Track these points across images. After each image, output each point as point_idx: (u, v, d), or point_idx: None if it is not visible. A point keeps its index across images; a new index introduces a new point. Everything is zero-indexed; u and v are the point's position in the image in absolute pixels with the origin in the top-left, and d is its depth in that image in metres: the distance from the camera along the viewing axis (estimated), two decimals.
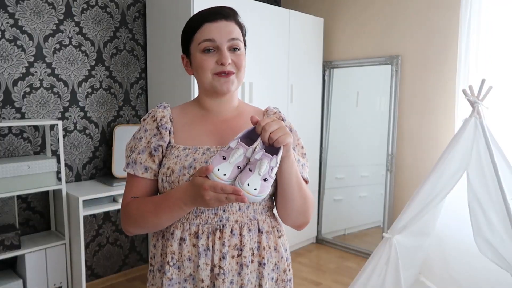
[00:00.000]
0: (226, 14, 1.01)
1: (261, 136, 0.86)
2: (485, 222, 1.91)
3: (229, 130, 1.04)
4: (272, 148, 0.88)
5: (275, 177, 0.88)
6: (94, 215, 2.80)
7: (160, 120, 1.03)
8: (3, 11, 2.34)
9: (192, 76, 2.58)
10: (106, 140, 2.84)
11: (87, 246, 2.78)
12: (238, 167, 0.85)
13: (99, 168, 2.82)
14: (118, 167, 2.72)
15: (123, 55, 2.88)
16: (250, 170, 0.84)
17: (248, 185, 0.82)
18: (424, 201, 2.04)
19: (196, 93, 2.61)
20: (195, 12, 2.53)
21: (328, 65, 3.67)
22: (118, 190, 2.51)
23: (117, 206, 2.53)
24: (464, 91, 2.07)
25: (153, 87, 2.96)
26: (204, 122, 1.06)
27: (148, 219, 0.96)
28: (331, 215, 3.75)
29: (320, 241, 3.77)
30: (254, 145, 0.87)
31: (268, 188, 0.85)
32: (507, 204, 1.86)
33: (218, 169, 0.83)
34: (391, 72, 3.25)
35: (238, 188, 0.82)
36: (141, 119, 1.08)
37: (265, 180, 0.84)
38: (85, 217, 2.73)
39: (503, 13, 2.60)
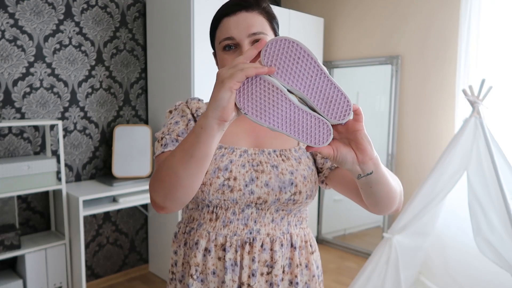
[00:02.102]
0: (246, 3, 0.87)
1: None
2: (485, 222, 1.92)
3: (265, 133, 0.95)
4: None
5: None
6: (94, 215, 2.80)
7: (196, 110, 0.94)
8: (3, 11, 2.34)
9: (191, 76, 2.59)
10: (106, 140, 2.84)
11: (87, 246, 2.78)
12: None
13: (99, 168, 2.83)
14: (118, 167, 2.72)
15: (123, 55, 2.88)
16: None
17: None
18: (424, 201, 2.04)
19: (196, 93, 2.61)
20: (195, 12, 2.54)
21: (328, 65, 3.67)
22: (118, 190, 2.51)
23: (117, 206, 2.53)
24: (464, 91, 2.07)
25: (153, 87, 2.97)
26: (240, 120, 0.95)
27: (174, 167, 0.74)
28: (331, 215, 3.75)
29: (320, 241, 3.77)
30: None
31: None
32: (507, 204, 1.86)
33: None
34: (391, 72, 3.25)
35: (262, 40, 0.66)
36: (169, 110, 0.98)
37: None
38: (85, 217, 2.73)
39: (503, 13, 2.60)
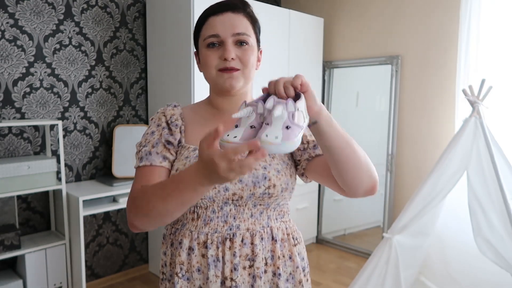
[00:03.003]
0: (233, 5, 0.92)
1: (277, 90, 0.73)
2: (485, 222, 1.92)
3: None
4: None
5: (303, 125, 0.72)
6: (94, 215, 2.80)
7: (170, 117, 0.98)
8: (3, 11, 2.34)
9: (192, 76, 2.59)
10: (106, 140, 2.84)
11: (87, 246, 2.78)
12: (252, 126, 0.71)
13: (99, 168, 2.82)
14: (118, 167, 2.72)
15: (123, 55, 2.88)
16: (267, 124, 0.70)
17: (267, 135, 0.67)
18: (424, 201, 2.04)
19: (195, 93, 2.61)
20: (195, 12, 2.54)
21: (328, 65, 3.67)
22: (118, 190, 2.51)
23: (117, 206, 2.53)
24: (464, 91, 2.07)
25: (153, 87, 2.96)
26: (216, 121, 0.98)
27: (154, 204, 0.81)
28: (331, 215, 3.75)
29: (320, 241, 3.77)
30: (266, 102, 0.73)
31: (294, 136, 0.69)
32: (507, 204, 1.86)
33: (228, 135, 0.70)
34: (391, 72, 3.25)
35: (253, 141, 0.64)
36: (150, 118, 1.02)
37: (287, 127, 0.69)
38: (85, 217, 2.73)
39: (503, 13, 2.60)
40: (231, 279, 0.90)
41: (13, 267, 2.46)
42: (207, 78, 0.96)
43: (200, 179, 0.73)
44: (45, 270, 2.37)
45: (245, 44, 0.92)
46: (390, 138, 3.28)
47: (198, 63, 0.99)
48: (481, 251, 1.92)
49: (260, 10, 3.00)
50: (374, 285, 2.01)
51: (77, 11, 2.63)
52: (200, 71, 0.98)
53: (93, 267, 2.82)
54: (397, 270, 2.00)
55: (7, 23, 2.36)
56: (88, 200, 2.42)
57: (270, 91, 0.75)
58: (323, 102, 3.69)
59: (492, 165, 1.93)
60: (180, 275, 0.92)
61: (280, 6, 3.81)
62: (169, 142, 0.95)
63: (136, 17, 2.93)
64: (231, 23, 0.91)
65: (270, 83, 0.76)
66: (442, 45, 2.97)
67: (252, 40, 0.94)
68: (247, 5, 0.95)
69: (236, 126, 0.72)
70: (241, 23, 0.92)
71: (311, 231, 3.70)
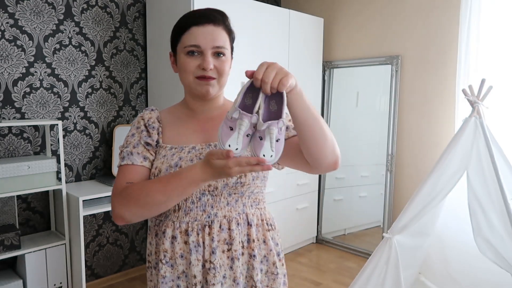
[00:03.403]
0: (215, 18, 1.01)
1: (262, 89, 0.84)
2: (485, 222, 1.91)
3: (214, 128, 1.05)
4: (276, 94, 0.86)
5: (285, 131, 0.89)
6: (94, 215, 2.80)
7: (148, 120, 1.07)
8: (3, 11, 2.34)
9: None
10: (106, 140, 2.84)
11: (87, 246, 2.78)
12: (248, 135, 0.86)
13: (99, 168, 2.82)
14: None
15: (123, 55, 2.88)
16: (261, 139, 0.85)
17: (264, 155, 0.84)
18: (424, 201, 2.03)
19: None
20: None
21: (328, 65, 3.67)
22: None
23: None
24: (464, 91, 2.07)
25: (153, 87, 2.97)
26: (190, 121, 1.09)
27: (155, 197, 0.93)
28: (331, 215, 3.75)
29: (320, 241, 3.77)
30: (256, 108, 0.85)
31: (282, 146, 0.86)
32: (507, 204, 1.86)
33: (229, 145, 0.84)
34: (391, 72, 3.25)
35: (261, 158, 0.83)
36: (132, 123, 1.10)
37: (277, 141, 0.85)
38: (85, 217, 2.73)
39: (503, 13, 2.60)
40: (210, 262, 0.99)
41: (13, 267, 2.46)
42: (183, 82, 1.05)
43: (205, 177, 0.88)
44: (45, 270, 2.37)
45: (222, 55, 1.02)
46: (390, 138, 3.28)
47: (173, 63, 1.08)
48: (481, 251, 1.92)
49: (260, 10, 3.01)
50: (374, 285, 2.01)
51: (77, 11, 2.63)
52: (175, 71, 1.08)
53: (93, 267, 2.82)
54: (397, 270, 2.00)
55: (7, 23, 2.36)
56: (88, 200, 2.42)
57: (256, 85, 0.84)
58: (323, 102, 3.69)
59: (492, 165, 1.93)
60: (164, 261, 1.01)
61: (280, 6, 3.81)
62: (148, 144, 1.04)
63: (136, 17, 2.93)
64: (212, 37, 0.99)
65: (256, 79, 0.84)
66: (442, 45, 2.97)
67: (228, 51, 1.03)
68: (226, 18, 1.04)
69: (231, 129, 0.85)
70: (221, 37, 1.01)
71: (311, 231, 3.70)
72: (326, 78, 3.68)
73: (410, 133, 3.20)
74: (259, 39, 2.99)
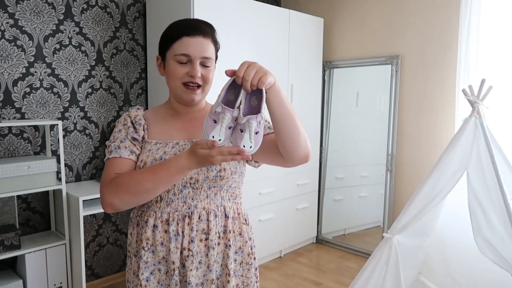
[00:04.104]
0: (204, 31, 1.10)
1: (243, 86, 0.92)
2: (485, 222, 1.91)
3: (196, 128, 1.16)
4: (257, 90, 0.95)
5: (263, 123, 0.98)
6: (94, 215, 2.80)
7: (134, 117, 1.16)
8: (3, 11, 2.34)
9: None
10: (106, 140, 2.84)
11: (87, 246, 2.78)
12: (230, 127, 0.94)
13: (99, 168, 2.82)
14: None
15: (123, 55, 2.88)
16: (242, 131, 0.94)
17: (244, 146, 0.93)
18: (424, 201, 2.03)
19: None
20: (194, 13, 2.54)
21: (328, 65, 3.67)
22: None
23: None
24: (464, 91, 2.07)
25: (153, 87, 2.97)
26: (174, 120, 1.18)
27: (144, 185, 1.00)
28: (331, 215, 3.75)
29: (320, 241, 3.77)
30: (238, 103, 0.95)
31: (260, 138, 0.96)
32: (507, 204, 1.86)
33: (213, 136, 0.93)
34: (391, 72, 3.25)
35: (242, 148, 0.93)
36: (118, 120, 1.19)
37: (256, 133, 0.94)
38: (85, 217, 2.73)
39: (503, 13, 2.60)
40: (188, 249, 1.08)
41: (13, 267, 2.46)
42: (170, 86, 1.15)
43: (190, 165, 0.97)
44: (45, 270, 2.37)
45: (208, 65, 1.11)
46: (390, 138, 3.28)
47: (159, 66, 1.18)
48: (481, 251, 1.92)
49: (260, 10, 3.01)
50: (374, 285, 2.01)
51: (77, 11, 2.63)
52: (162, 74, 1.19)
53: (93, 267, 2.82)
54: (397, 270, 2.00)
55: (7, 23, 2.36)
56: (88, 200, 2.42)
57: (238, 83, 0.93)
58: (323, 102, 3.70)
59: (492, 165, 1.93)
60: (146, 248, 1.10)
61: (280, 6, 3.81)
62: (134, 139, 1.12)
63: (136, 17, 2.93)
64: (201, 48, 1.09)
65: (237, 76, 0.91)
66: (442, 45, 2.97)
67: (213, 62, 1.13)
68: (213, 31, 1.14)
69: (215, 121, 0.93)
70: (209, 48, 1.11)
71: (311, 231, 3.70)
72: (326, 78, 3.68)
73: (410, 133, 3.20)
74: (259, 39, 2.99)
